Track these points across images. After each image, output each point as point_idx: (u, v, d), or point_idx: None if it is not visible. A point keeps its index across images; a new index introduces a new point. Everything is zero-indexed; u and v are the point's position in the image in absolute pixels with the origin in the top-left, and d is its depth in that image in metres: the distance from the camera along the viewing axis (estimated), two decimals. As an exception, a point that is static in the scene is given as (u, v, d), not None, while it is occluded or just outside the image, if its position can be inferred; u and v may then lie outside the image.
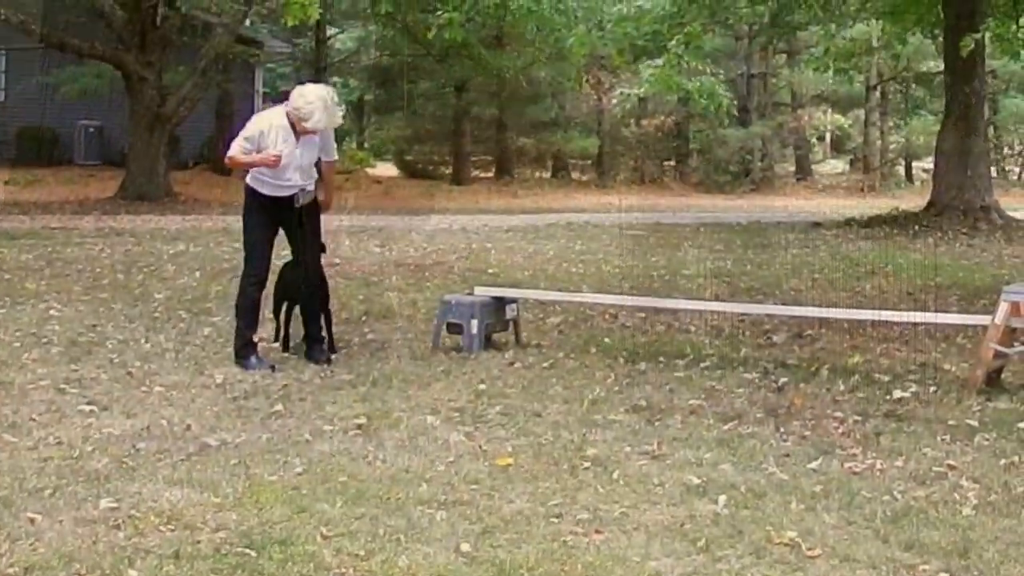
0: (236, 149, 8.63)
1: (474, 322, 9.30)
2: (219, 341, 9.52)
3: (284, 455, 6.22)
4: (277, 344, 9.19)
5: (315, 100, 8.41)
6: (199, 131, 33.57)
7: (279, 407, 7.29)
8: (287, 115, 8.51)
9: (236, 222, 20.92)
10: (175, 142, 29.09)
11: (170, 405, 7.33)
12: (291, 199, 8.70)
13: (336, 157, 9.36)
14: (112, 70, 27.53)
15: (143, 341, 9.50)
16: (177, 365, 8.61)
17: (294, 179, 8.64)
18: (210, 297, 11.95)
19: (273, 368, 8.43)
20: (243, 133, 8.64)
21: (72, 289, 12.30)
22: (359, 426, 6.85)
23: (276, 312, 9.30)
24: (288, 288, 9.19)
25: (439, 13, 12.03)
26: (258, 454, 6.23)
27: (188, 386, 7.90)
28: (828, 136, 60.42)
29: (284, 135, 8.51)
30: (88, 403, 7.29)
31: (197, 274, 13.77)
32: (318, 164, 8.96)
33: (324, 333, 9.07)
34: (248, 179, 8.80)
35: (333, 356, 8.91)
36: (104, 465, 5.97)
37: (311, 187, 8.81)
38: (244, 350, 8.66)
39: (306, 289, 9.03)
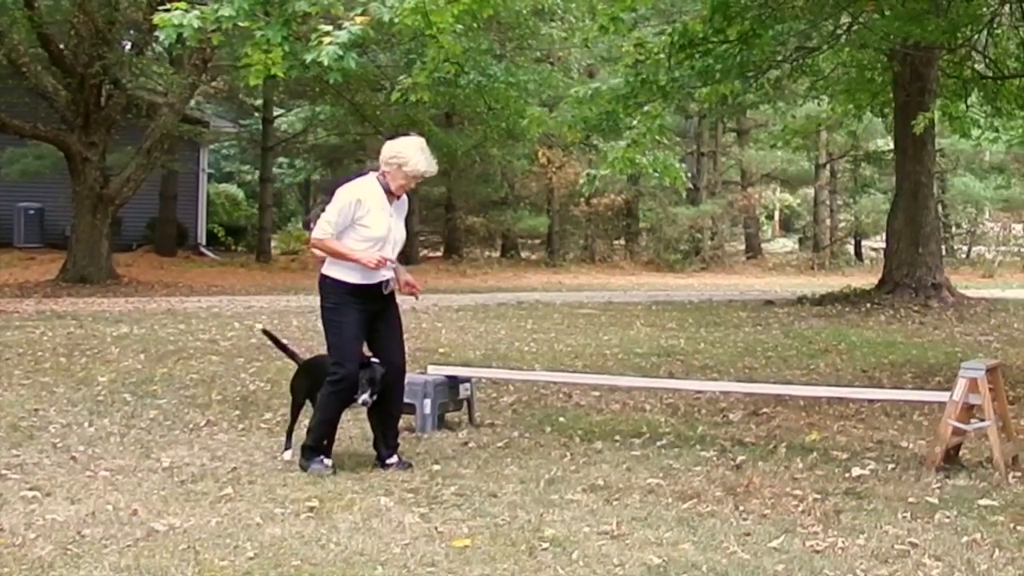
0: (326, 230, 7.73)
1: (427, 401, 9.18)
2: (165, 424, 9.35)
3: (234, 539, 6.06)
4: (287, 454, 8.17)
5: (408, 144, 7.82)
6: (142, 212, 33.46)
7: (228, 490, 7.13)
8: (378, 180, 7.82)
9: (180, 303, 21.05)
10: (118, 223, 28.88)
11: (116, 490, 7.13)
12: (379, 287, 7.85)
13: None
14: (54, 151, 27.31)
15: (87, 425, 9.30)
16: (123, 449, 8.42)
17: (388, 253, 7.79)
18: (155, 379, 11.75)
19: (335, 471, 7.71)
20: (331, 207, 7.77)
21: (13, 373, 12.05)
22: (311, 508, 6.70)
23: (296, 411, 8.38)
24: (315, 386, 8.10)
25: (402, 77, 11.96)
26: (208, 539, 6.06)
27: (134, 470, 7.71)
28: (777, 214, 61.06)
29: (380, 203, 7.77)
30: (31, 489, 7.09)
31: (142, 356, 13.54)
32: None
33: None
34: (330, 270, 7.85)
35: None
36: (48, 552, 5.79)
37: (392, 272, 7.96)
38: (312, 452, 7.81)
39: (391, 388, 8.03)
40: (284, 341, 9.12)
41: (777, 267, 44.35)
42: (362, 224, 7.71)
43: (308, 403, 8.29)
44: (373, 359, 7.90)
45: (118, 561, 5.68)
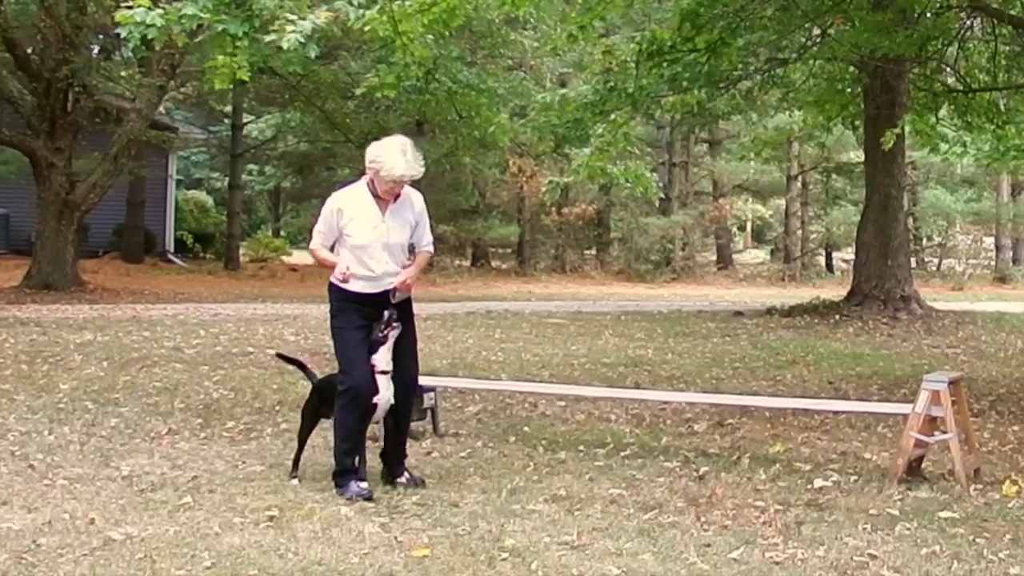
0: (316, 240, 7.69)
1: (390, 411, 9.10)
2: (126, 432, 9.27)
3: (192, 549, 6.01)
4: (296, 477, 7.80)
5: (389, 145, 7.42)
6: (109, 218, 33.17)
7: (188, 499, 7.07)
8: (367, 184, 7.55)
9: (146, 311, 20.91)
10: (84, 229, 28.55)
11: (73, 498, 7.07)
12: (384, 295, 7.59)
13: (432, 248, 7.98)
14: (20, 156, 27.00)
15: (46, 433, 9.20)
16: (82, 457, 8.34)
17: (383, 261, 7.54)
18: (117, 387, 11.65)
19: (371, 497, 7.27)
20: (320, 217, 7.65)
21: (-28, 381, 11.94)
22: (271, 518, 6.65)
23: (305, 435, 8.05)
24: (324, 406, 7.89)
25: (367, 75, 11.92)
26: (165, 548, 6.01)
27: (93, 479, 7.64)
28: (749, 225, 61.19)
29: (366, 210, 7.51)
30: (-14, 497, 7.03)
31: (104, 364, 13.42)
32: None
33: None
34: (333, 277, 7.68)
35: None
36: (2, 561, 5.73)
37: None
38: (342, 477, 7.44)
39: (403, 402, 7.82)
40: (302, 361, 8.89)
41: (748, 278, 44.41)
42: (346, 233, 7.53)
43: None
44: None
45: (73, 570, 5.63)
